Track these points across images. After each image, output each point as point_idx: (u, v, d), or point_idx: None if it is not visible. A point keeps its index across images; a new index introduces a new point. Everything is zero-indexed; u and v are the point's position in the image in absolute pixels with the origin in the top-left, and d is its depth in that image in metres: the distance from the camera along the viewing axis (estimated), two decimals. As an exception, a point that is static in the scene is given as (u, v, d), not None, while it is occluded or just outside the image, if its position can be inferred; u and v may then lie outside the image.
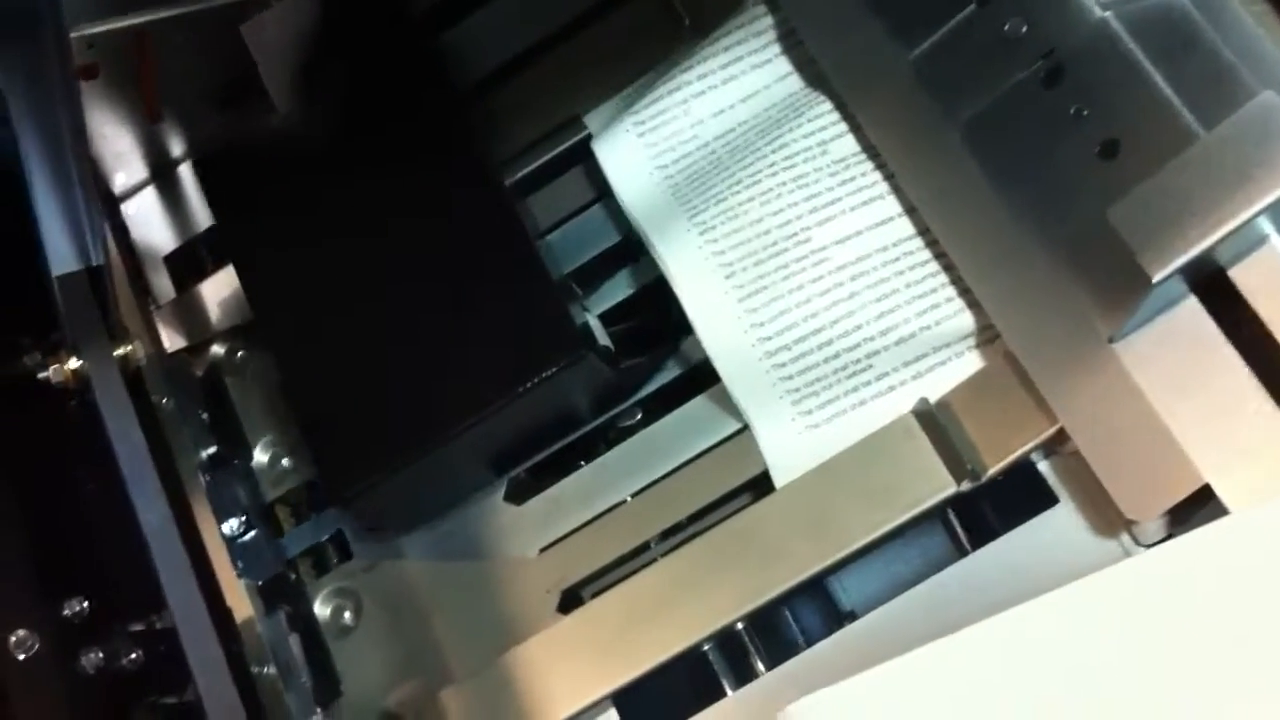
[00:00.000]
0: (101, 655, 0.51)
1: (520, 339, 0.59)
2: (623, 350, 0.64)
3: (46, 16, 0.41)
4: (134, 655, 0.52)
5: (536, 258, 0.60)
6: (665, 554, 0.59)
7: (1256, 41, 0.53)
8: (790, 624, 0.59)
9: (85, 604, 0.52)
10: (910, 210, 0.59)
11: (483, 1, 0.70)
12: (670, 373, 0.64)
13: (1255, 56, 0.53)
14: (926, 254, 0.58)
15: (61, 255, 0.52)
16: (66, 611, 0.52)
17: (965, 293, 0.57)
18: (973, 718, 0.45)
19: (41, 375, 0.57)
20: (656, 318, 0.65)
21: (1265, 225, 0.49)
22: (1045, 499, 0.54)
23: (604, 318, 0.65)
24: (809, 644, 0.57)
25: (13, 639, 0.51)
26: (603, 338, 0.63)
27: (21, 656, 0.50)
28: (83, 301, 0.56)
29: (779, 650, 0.58)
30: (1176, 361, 0.50)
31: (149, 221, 0.75)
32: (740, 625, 0.57)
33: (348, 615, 0.64)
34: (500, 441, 0.63)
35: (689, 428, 0.61)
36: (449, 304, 0.61)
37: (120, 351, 0.58)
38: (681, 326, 0.62)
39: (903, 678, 0.46)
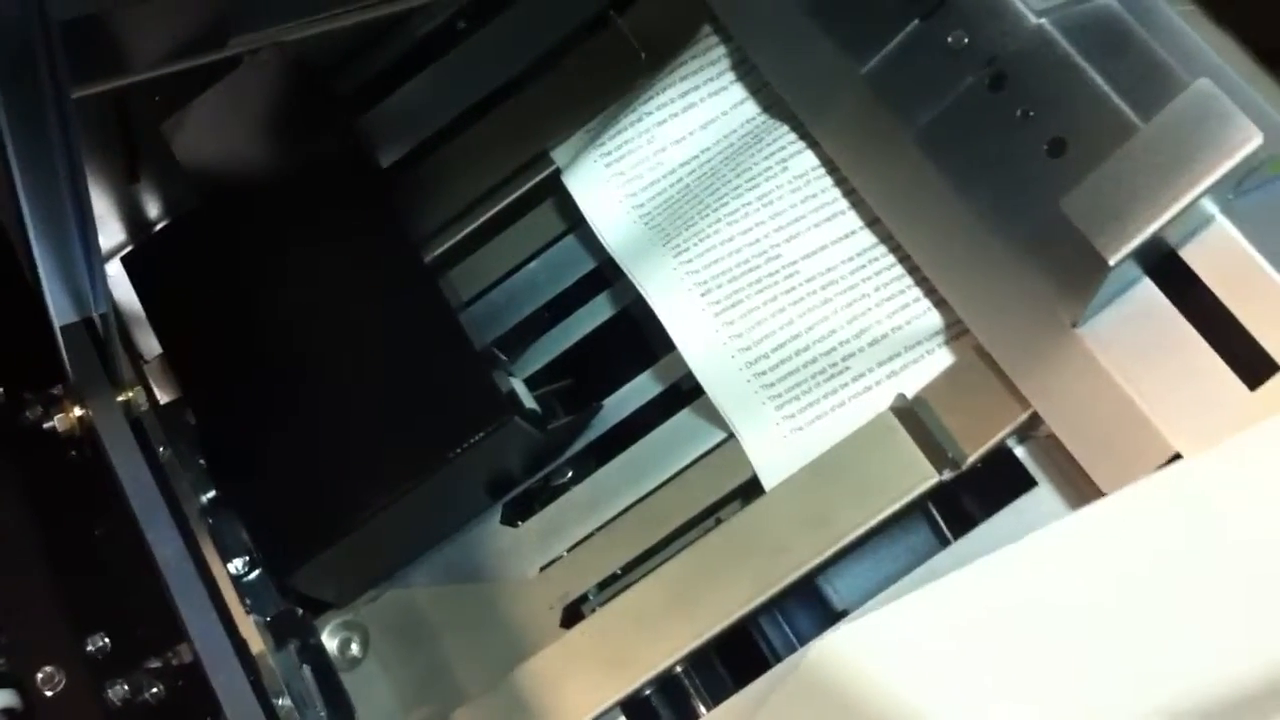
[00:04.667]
0: (126, 688, 0.52)
1: (447, 408, 0.61)
2: (549, 412, 0.66)
3: (43, 65, 0.42)
4: (156, 689, 0.53)
5: (459, 329, 0.63)
6: (662, 563, 0.60)
7: (1184, 37, 0.56)
8: (784, 627, 0.61)
9: (107, 640, 0.53)
10: (873, 221, 0.61)
11: (412, 73, 0.73)
12: (654, 389, 0.65)
13: (1184, 51, 0.55)
14: (891, 259, 0.60)
15: (63, 306, 0.52)
16: (90, 647, 0.53)
17: (932, 292, 0.59)
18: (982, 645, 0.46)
19: (46, 425, 0.58)
20: (582, 379, 0.68)
21: (1210, 206, 0.51)
22: (1024, 483, 0.56)
23: (530, 381, 0.67)
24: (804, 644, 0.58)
25: (40, 675, 0.52)
26: (529, 401, 0.65)
27: (50, 692, 0.51)
28: (86, 350, 0.57)
29: (778, 654, 0.60)
30: (1137, 340, 0.52)
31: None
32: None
33: (355, 646, 0.65)
34: (435, 507, 0.64)
35: (676, 441, 0.63)
36: (376, 379, 0.63)
37: (123, 398, 0.59)
38: (608, 386, 0.66)
39: (921, 609, 0.47)
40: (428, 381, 0.62)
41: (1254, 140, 0.48)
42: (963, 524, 0.57)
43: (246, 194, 0.70)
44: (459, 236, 0.70)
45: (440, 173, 0.72)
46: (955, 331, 0.58)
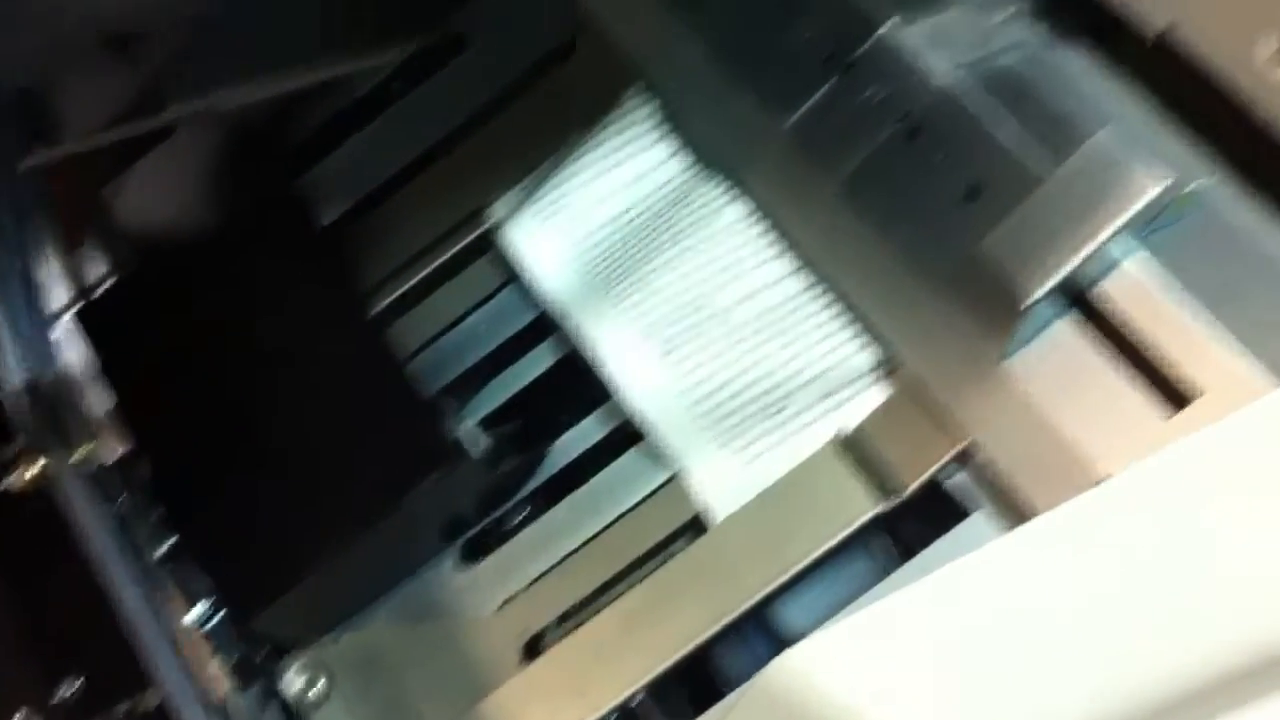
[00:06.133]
0: (101, 731, 0.52)
1: (396, 454, 0.62)
2: (503, 452, 0.66)
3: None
4: (130, 731, 0.53)
5: (404, 378, 0.63)
6: (619, 595, 0.61)
7: (1088, 85, 0.59)
8: (739, 655, 0.62)
9: (78, 684, 0.53)
10: (805, 265, 0.62)
11: (350, 132, 0.73)
12: (602, 430, 0.66)
13: (1088, 98, 0.58)
14: (825, 300, 0.62)
15: (13, 368, 0.52)
16: (62, 692, 0.53)
17: (867, 330, 0.60)
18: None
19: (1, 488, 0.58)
20: (531, 423, 0.68)
21: (1123, 243, 0.53)
22: (962, 510, 0.57)
23: (485, 421, 0.68)
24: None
25: (17, 717, 0.51)
26: (479, 444, 0.65)
27: (26, 735, 0.51)
28: (42, 409, 0.57)
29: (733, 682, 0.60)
30: (1062, 372, 0.54)
31: (77, 343, 0.75)
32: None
33: (319, 687, 0.65)
34: (392, 550, 0.65)
35: (626, 478, 0.64)
36: (327, 428, 0.64)
37: (79, 454, 0.58)
38: (557, 428, 0.66)
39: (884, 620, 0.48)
40: (377, 428, 0.63)
41: (1155, 187, 0.51)
42: (907, 551, 0.58)
43: (192, 253, 0.70)
44: (401, 290, 0.71)
45: (381, 229, 0.72)
46: (891, 366, 0.60)
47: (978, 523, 0.57)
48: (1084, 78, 0.61)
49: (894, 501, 0.57)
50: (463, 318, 0.70)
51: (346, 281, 0.68)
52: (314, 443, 0.64)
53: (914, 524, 0.59)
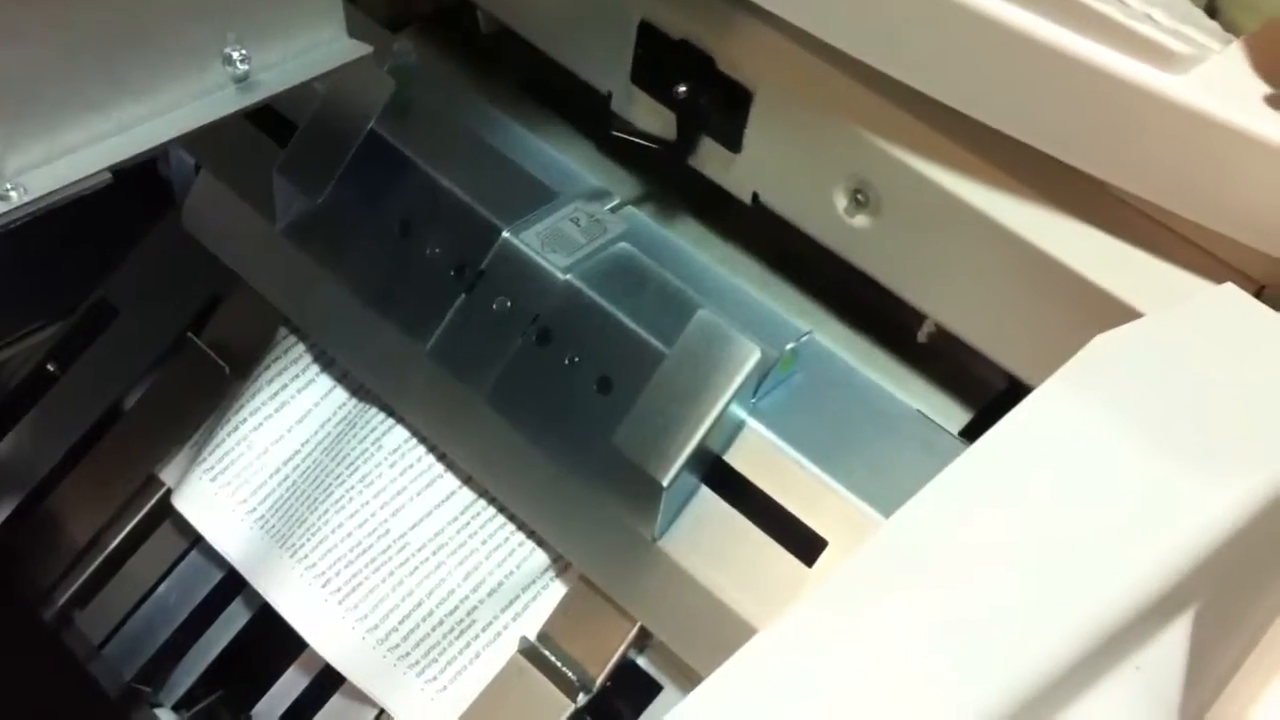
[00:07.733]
0: None
1: None
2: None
3: None
4: None
5: (90, 679, 0.61)
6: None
7: (695, 262, 0.60)
8: None
9: None
10: (468, 479, 0.62)
11: (12, 423, 0.71)
12: (305, 680, 0.64)
13: (696, 275, 0.59)
14: (492, 511, 0.61)
15: None
16: None
17: (533, 534, 0.60)
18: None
19: None
20: (236, 684, 0.66)
21: (739, 412, 0.54)
22: (652, 689, 0.57)
23: (186, 699, 0.65)
24: None
25: None
26: None
27: None
28: None
29: None
30: (709, 542, 0.54)
31: None
32: None
33: None
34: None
35: (335, 727, 0.62)
36: None
37: None
38: (262, 685, 0.64)
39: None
40: None
41: (753, 357, 0.52)
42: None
43: None
44: (85, 576, 0.68)
45: (57, 515, 0.69)
46: (561, 565, 0.60)
47: (671, 696, 0.57)
48: (695, 249, 0.62)
49: (588, 697, 0.57)
50: (152, 590, 0.67)
51: (19, 587, 0.64)
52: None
53: (620, 703, 0.58)
